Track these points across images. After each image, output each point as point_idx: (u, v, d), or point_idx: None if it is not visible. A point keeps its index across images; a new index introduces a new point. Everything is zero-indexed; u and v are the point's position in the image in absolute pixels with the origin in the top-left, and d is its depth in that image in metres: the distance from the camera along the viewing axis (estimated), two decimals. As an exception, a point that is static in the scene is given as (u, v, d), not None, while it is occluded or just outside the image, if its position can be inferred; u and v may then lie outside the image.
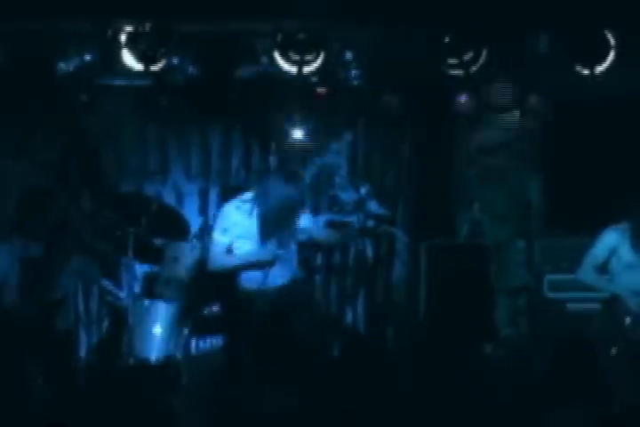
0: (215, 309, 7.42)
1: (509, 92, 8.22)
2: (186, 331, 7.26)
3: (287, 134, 8.63)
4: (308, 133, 8.58)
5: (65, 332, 6.98)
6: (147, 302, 7.44)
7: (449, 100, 8.26)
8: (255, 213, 6.92)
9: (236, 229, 6.94)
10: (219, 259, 7.00)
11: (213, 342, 7.34)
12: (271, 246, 6.93)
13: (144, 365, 7.21)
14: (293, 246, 7.11)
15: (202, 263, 7.37)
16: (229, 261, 6.99)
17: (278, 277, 6.99)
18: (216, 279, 7.25)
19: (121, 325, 7.44)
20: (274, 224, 6.90)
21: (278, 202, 6.86)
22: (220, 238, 6.95)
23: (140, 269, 7.88)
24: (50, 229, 6.80)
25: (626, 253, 6.86)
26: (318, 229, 7.32)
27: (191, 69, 7.70)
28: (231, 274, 7.07)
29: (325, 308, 7.61)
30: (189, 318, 7.32)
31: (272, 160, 8.89)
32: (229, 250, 6.94)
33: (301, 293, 7.09)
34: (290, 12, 7.10)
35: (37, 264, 6.80)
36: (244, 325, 6.88)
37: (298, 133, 8.57)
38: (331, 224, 7.53)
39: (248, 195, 7.10)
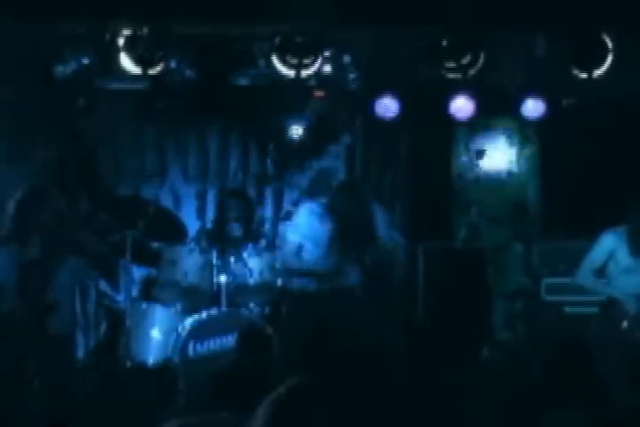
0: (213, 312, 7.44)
1: (507, 95, 8.23)
2: (183, 334, 7.25)
3: (285, 137, 8.64)
4: (305, 136, 8.59)
5: (61, 334, 6.97)
6: (144, 305, 7.43)
7: (447, 103, 8.25)
8: (327, 219, 7.14)
9: (304, 230, 7.21)
10: (288, 259, 7.23)
11: (211, 344, 7.34)
12: (335, 258, 7.07)
13: (141, 368, 7.20)
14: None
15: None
16: (297, 264, 7.18)
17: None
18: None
19: (118, 328, 7.44)
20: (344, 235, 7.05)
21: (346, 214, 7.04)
22: (291, 237, 7.16)
23: (138, 272, 7.88)
24: (47, 232, 6.79)
25: (623, 256, 6.85)
26: None
27: (189, 72, 7.70)
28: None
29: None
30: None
31: (269, 163, 8.91)
32: (299, 251, 7.13)
33: (347, 299, 7.19)
34: (288, 16, 7.09)
35: (35, 267, 6.79)
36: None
37: (296, 136, 8.58)
38: None
39: (324, 200, 7.32)
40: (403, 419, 5.19)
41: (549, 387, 5.23)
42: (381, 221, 7.49)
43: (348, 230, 7.21)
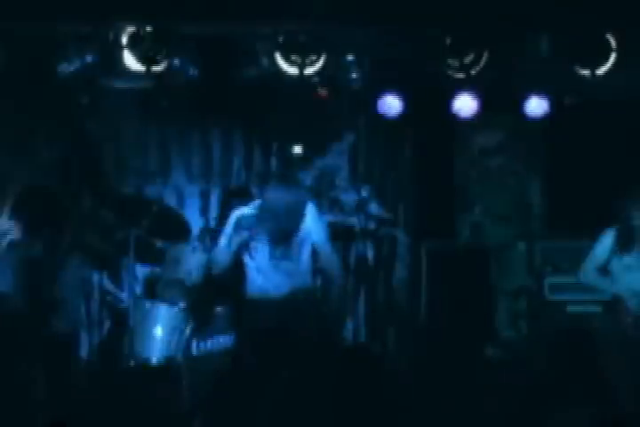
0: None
1: (510, 94, 8.23)
2: (187, 332, 7.26)
3: (288, 136, 8.64)
4: (308, 135, 8.60)
5: (65, 333, 6.98)
6: (148, 303, 7.43)
7: (450, 101, 8.26)
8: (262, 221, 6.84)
9: None
10: (217, 260, 6.98)
11: (214, 343, 7.35)
12: (243, 232, 6.75)
13: (145, 366, 7.21)
14: (304, 255, 6.99)
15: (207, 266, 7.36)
16: (220, 258, 6.87)
17: (284, 285, 6.89)
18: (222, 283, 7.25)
19: (122, 326, 7.44)
20: (278, 231, 6.82)
21: (279, 208, 6.77)
22: (221, 242, 6.93)
23: (142, 270, 7.89)
24: (51, 231, 6.79)
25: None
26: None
27: (192, 70, 7.71)
28: (236, 279, 7.03)
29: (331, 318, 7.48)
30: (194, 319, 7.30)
31: (273, 161, 8.91)
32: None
33: (307, 302, 7.01)
34: (291, 14, 7.10)
35: (38, 265, 6.79)
36: (248, 331, 6.83)
37: (299, 135, 8.59)
38: (332, 226, 7.43)
39: (257, 202, 7.08)
40: (406, 418, 5.20)
41: (553, 385, 5.24)
42: (313, 223, 7.13)
43: (279, 231, 6.87)
